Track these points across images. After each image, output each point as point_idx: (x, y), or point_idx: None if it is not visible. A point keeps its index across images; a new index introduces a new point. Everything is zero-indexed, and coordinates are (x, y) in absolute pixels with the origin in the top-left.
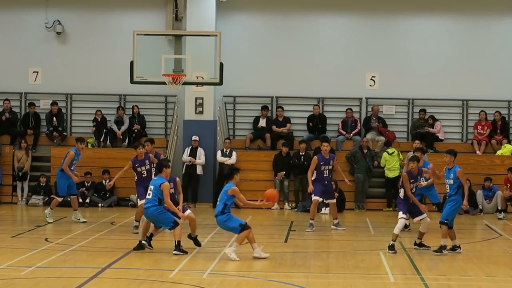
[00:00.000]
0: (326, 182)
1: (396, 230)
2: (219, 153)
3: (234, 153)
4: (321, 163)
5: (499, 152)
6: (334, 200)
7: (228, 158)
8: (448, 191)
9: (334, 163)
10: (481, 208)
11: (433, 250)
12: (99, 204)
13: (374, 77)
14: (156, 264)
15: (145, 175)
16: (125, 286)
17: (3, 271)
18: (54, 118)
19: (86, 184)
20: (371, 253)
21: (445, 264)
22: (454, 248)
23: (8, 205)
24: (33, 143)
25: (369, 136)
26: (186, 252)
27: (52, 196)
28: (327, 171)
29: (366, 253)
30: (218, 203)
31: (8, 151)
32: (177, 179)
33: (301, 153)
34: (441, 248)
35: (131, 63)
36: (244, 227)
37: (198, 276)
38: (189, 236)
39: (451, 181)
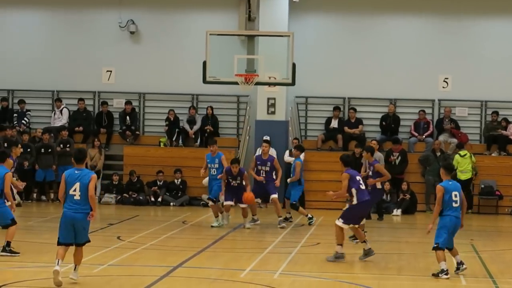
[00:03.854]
0: (264, 182)
1: None
2: (286, 153)
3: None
4: (258, 163)
5: None
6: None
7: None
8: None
9: (274, 163)
10: None
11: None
12: (171, 203)
13: (447, 78)
14: (228, 264)
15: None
16: (196, 285)
17: None
18: (128, 117)
19: (158, 183)
20: None
21: None
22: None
23: None
24: (106, 142)
25: (441, 138)
26: (17, 253)
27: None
28: (263, 171)
29: None
30: None
31: None
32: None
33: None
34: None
35: (204, 63)
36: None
37: (269, 276)
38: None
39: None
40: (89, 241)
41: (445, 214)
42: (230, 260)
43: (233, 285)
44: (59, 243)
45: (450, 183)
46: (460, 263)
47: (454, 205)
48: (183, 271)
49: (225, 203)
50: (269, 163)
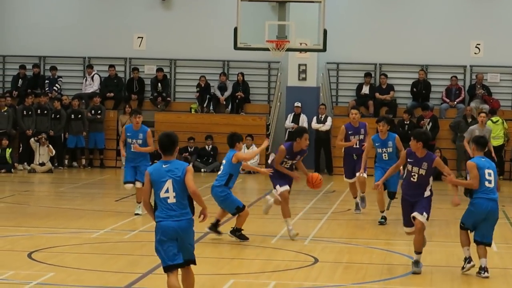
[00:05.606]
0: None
1: None
2: (314, 119)
3: (329, 119)
4: (349, 132)
5: None
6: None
7: (322, 125)
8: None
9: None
10: None
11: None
12: (202, 170)
13: (479, 44)
14: (259, 229)
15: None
16: (227, 251)
17: (107, 234)
18: (159, 84)
19: (189, 149)
20: None
21: None
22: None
23: (112, 169)
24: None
25: (473, 104)
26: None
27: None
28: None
29: None
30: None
31: (113, 116)
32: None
33: (405, 122)
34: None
35: (235, 29)
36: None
37: (300, 243)
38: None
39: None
40: (193, 261)
41: (475, 197)
42: (261, 226)
43: (264, 250)
44: (166, 269)
45: (482, 159)
46: (483, 269)
47: (488, 184)
48: (214, 237)
49: (282, 188)
50: (362, 130)
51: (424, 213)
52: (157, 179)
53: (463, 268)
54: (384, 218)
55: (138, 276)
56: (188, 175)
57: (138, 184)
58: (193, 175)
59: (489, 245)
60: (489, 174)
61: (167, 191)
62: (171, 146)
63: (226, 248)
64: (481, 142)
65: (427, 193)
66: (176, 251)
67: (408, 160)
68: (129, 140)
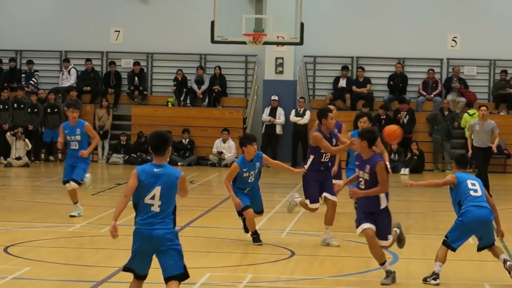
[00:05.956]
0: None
1: None
2: (292, 112)
3: (307, 113)
4: None
5: None
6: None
7: (300, 118)
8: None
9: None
10: None
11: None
12: (179, 163)
13: (455, 37)
14: (235, 223)
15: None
16: (204, 245)
17: (83, 229)
18: (136, 78)
19: None
20: (450, 215)
21: None
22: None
23: None
24: (114, 102)
25: (449, 97)
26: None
27: None
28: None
29: (446, 214)
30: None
31: (89, 110)
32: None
33: (382, 117)
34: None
35: (212, 23)
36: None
37: (277, 236)
38: None
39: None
40: (186, 274)
41: (463, 208)
42: (238, 219)
43: (241, 244)
44: (132, 274)
45: (465, 174)
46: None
47: (473, 193)
48: (191, 231)
49: (313, 205)
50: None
51: (389, 237)
52: (146, 182)
53: (425, 279)
54: None
55: (114, 270)
56: (181, 185)
57: (73, 185)
58: (186, 183)
59: (493, 244)
60: (473, 184)
61: (153, 197)
62: (163, 146)
63: (202, 242)
64: (461, 161)
65: (383, 203)
66: (147, 263)
67: (356, 163)
68: (68, 138)
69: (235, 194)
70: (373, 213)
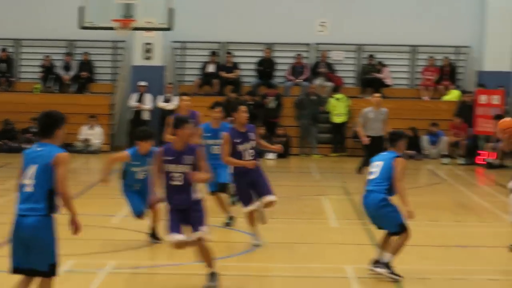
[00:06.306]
0: None
1: None
2: (161, 98)
3: (175, 98)
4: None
5: (445, 98)
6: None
7: (168, 103)
8: None
9: None
10: (426, 153)
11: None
12: None
13: (323, 22)
14: (100, 210)
15: None
16: (67, 232)
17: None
18: (4, 64)
19: (33, 130)
20: (316, 199)
21: None
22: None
23: None
24: None
25: (317, 82)
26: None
27: None
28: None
29: (311, 199)
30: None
31: None
32: None
33: (249, 102)
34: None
35: (80, 8)
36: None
37: (141, 222)
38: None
39: None
40: (54, 266)
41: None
42: (102, 206)
43: (104, 231)
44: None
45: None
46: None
47: (368, 176)
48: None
49: (246, 208)
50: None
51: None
52: (25, 163)
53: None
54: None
55: None
56: (59, 169)
57: None
58: (67, 167)
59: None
60: (377, 166)
61: (29, 177)
62: (50, 127)
63: (65, 229)
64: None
65: (194, 195)
66: (21, 254)
67: (165, 158)
68: None
69: (125, 193)
70: (184, 209)
